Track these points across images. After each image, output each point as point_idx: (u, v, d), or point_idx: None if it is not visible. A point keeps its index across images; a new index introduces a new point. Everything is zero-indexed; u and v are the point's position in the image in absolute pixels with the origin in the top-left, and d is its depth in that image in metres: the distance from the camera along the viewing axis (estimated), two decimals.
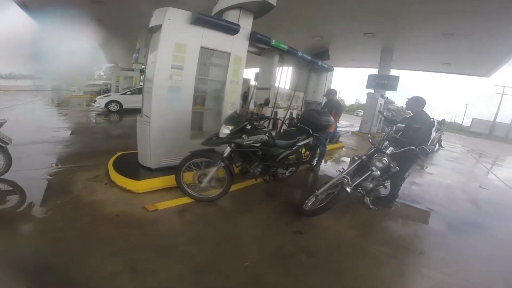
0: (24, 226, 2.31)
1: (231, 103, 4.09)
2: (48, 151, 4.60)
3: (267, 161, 3.34)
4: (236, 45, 3.92)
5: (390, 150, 3.13)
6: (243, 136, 2.95)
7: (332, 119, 3.81)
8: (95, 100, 10.98)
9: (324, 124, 3.72)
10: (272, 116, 5.18)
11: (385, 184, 3.60)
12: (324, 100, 5.88)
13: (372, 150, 3.20)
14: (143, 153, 3.64)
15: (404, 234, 2.97)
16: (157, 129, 3.40)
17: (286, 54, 5.21)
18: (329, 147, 7.18)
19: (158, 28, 3.30)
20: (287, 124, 5.35)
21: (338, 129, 8.30)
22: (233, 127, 2.91)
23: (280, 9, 6.67)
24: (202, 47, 3.57)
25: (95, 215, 2.53)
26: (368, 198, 3.29)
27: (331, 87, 5.95)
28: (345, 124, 17.39)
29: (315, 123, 3.69)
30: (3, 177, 3.09)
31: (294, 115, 6.15)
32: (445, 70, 13.41)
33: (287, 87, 6.30)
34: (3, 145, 3.03)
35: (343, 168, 3.18)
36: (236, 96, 4.18)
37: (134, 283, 1.77)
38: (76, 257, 1.94)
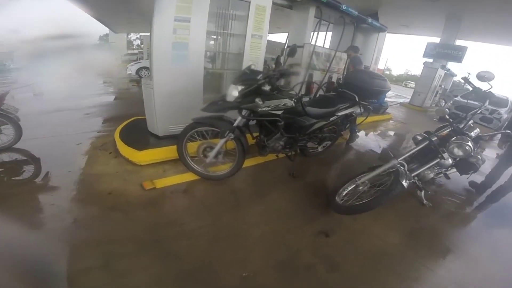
0: (9, 204, 2.06)
1: (253, 61, 3.39)
2: (68, 119, 4.50)
3: (294, 133, 2.63)
4: None
5: (475, 132, 2.21)
6: (257, 100, 2.21)
7: (388, 84, 2.86)
8: (128, 67, 11.06)
9: (377, 90, 2.75)
10: (306, 79, 4.30)
11: (448, 173, 2.73)
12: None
13: (448, 130, 2.21)
14: (150, 119, 3.24)
15: (469, 243, 2.19)
16: (161, 92, 2.92)
17: (325, 7, 4.17)
18: (374, 118, 6.20)
19: None
20: (324, 89, 4.48)
21: (385, 99, 7.19)
22: (243, 87, 2.21)
23: None
24: None
25: (87, 193, 2.24)
26: (423, 191, 2.50)
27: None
28: (391, 95, 15.33)
29: (364, 87, 2.73)
30: (14, 146, 2.98)
31: (334, 80, 5.14)
32: None
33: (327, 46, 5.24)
34: (10, 115, 2.92)
35: (396, 151, 2.32)
36: (260, 53, 3.46)
37: (101, 283, 1.42)
38: (46, 246, 1.66)
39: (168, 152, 2.84)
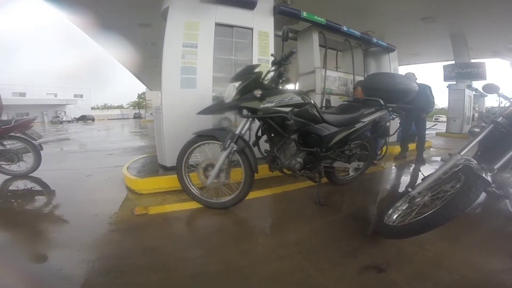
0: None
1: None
2: (90, 156, 5.20)
3: (312, 146, 2.15)
4: (259, 19, 3.36)
5: None
6: (255, 92, 1.88)
7: (414, 83, 2.46)
8: None
9: (402, 88, 2.36)
10: (324, 104, 4.07)
11: None
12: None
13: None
14: (159, 150, 3.14)
15: None
16: (170, 117, 2.86)
17: (327, 31, 4.25)
18: (412, 146, 5.44)
19: (167, 11, 2.96)
20: None
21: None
22: (240, 82, 1.92)
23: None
24: (217, 24, 3.09)
25: (73, 215, 2.06)
26: (508, 200, 1.78)
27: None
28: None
29: (387, 89, 2.34)
30: (31, 174, 3.14)
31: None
32: None
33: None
34: (32, 141, 3.12)
35: (449, 155, 1.58)
36: (268, 75, 3.38)
37: None
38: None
39: (171, 181, 2.57)
